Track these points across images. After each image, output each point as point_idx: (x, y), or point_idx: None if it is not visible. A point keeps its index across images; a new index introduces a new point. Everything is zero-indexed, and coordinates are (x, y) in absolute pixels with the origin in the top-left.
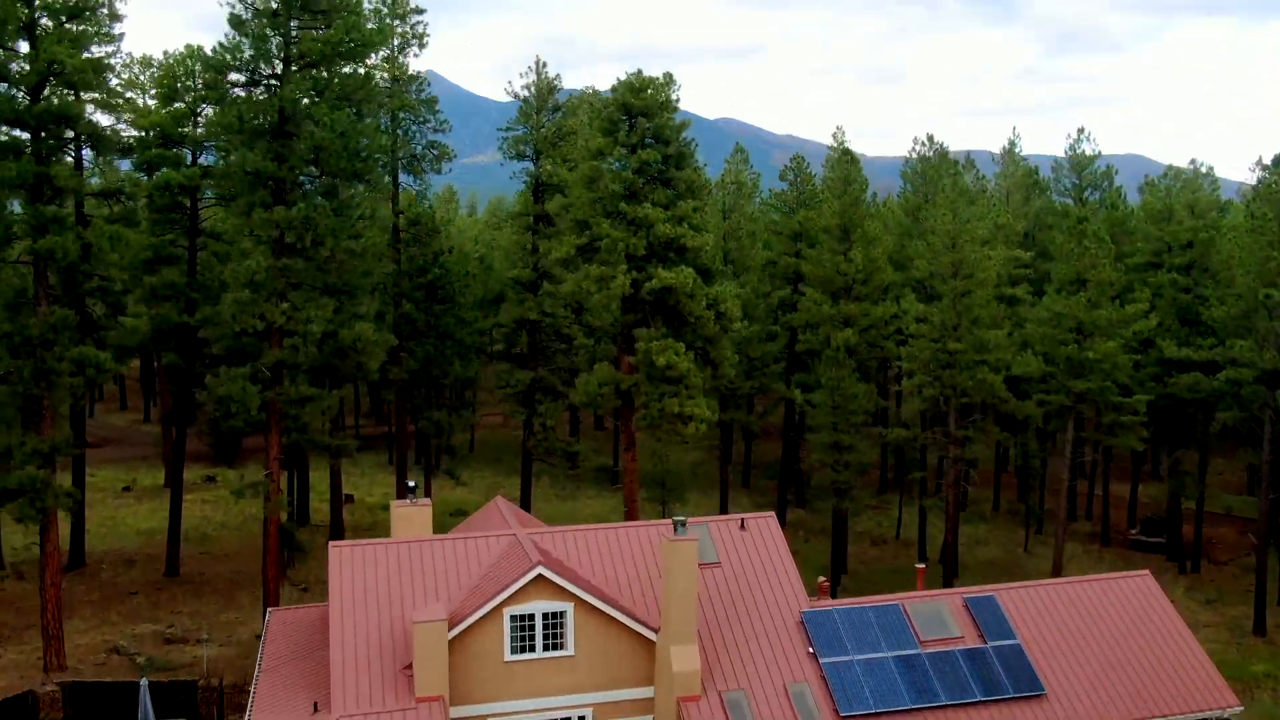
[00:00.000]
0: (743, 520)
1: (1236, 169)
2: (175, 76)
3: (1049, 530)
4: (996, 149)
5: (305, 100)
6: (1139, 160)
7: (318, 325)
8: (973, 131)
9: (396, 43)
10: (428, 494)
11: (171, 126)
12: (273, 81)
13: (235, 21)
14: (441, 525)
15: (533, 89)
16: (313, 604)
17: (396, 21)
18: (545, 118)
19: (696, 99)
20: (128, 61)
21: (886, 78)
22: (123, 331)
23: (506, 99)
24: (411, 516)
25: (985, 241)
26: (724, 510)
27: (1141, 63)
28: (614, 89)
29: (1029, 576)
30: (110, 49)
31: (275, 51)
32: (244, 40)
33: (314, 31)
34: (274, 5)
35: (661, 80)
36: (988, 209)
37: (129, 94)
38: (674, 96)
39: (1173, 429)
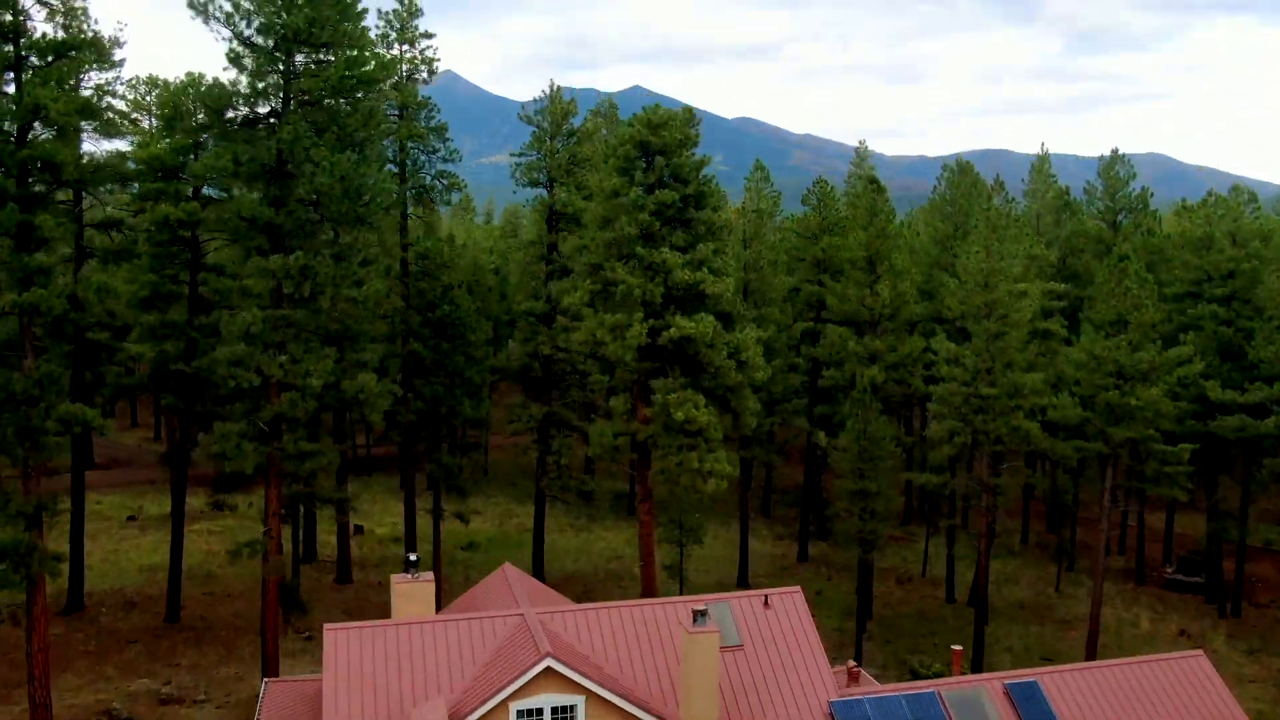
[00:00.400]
0: (766, 597)
1: (1264, 169)
2: (177, 106)
3: (1081, 566)
4: (1015, 147)
5: (305, 142)
6: (1161, 159)
7: (317, 379)
8: (992, 130)
9: (405, 69)
10: (436, 526)
11: (171, 159)
12: (272, 120)
13: (233, 58)
14: (452, 559)
15: (546, 115)
16: (311, 677)
17: (405, 46)
18: (559, 144)
19: (714, 98)
20: (133, 82)
21: (905, 76)
22: (121, 368)
23: (524, 98)
24: (412, 593)
25: (1019, 280)
26: (744, 542)
27: (1163, 61)
28: (630, 123)
29: (1063, 621)
30: (110, 75)
31: (273, 88)
32: (241, 76)
33: (314, 65)
34: (271, 41)
35: (681, 116)
36: (1020, 237)
37: (135, 115)
38: (693, 132)
39: (1213, 464)
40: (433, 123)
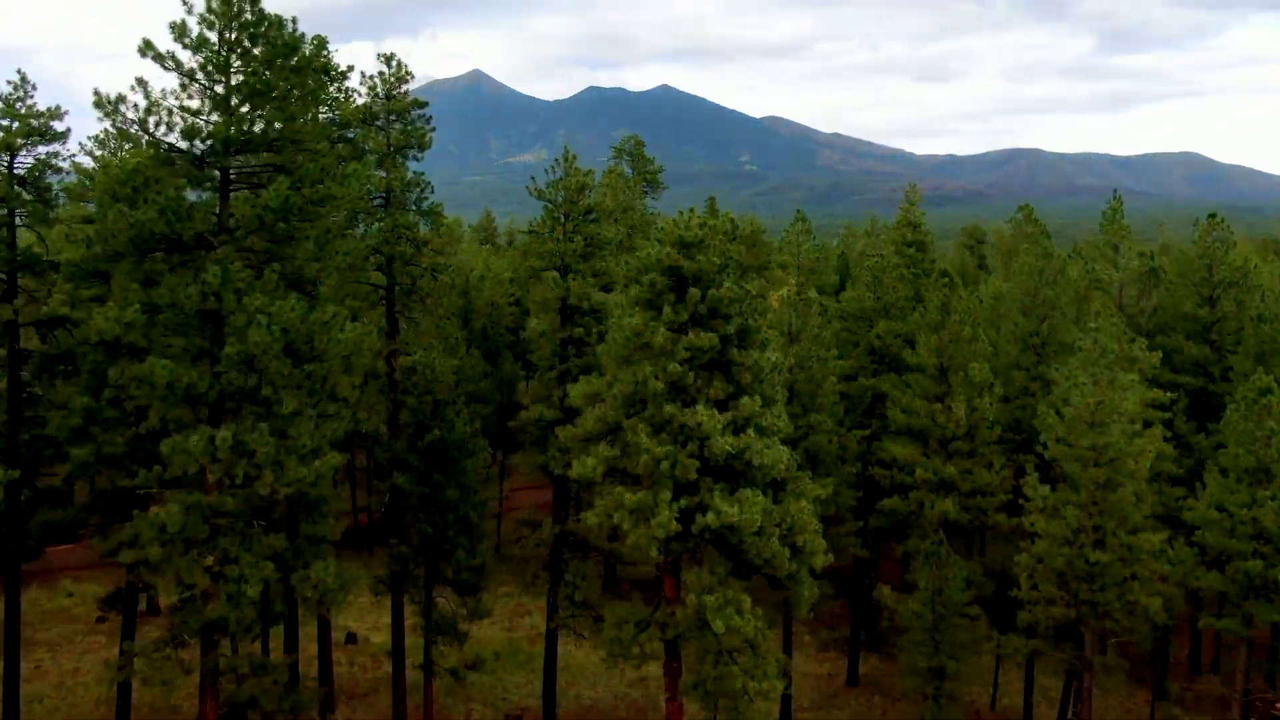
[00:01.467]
0: None
1: None
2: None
3: (1174, 690)
4: (1046, 146)
5: (237, 282)
6: (1195, 158)
7: (254, 588)
8: (1022, 128)
9: (392, 145)
10: (428, 682)
11: (97, 263)
12: (204, 243)
13: (163, 160)
14: (452, 684)
15: (559, 188)
16: None
17: (394, 116)
18: (573, 224)
19: (742, 97)
20: (103, 138)
21: (934, 75)
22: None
23: (553, 98)
24: None
25: (1136, 418)
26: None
27: (1197, 59)
28: (659, 239)
29: None
30: (50, 149)
31: (202, 209)
32: (165, 185)
33: (257, 175)
34: (198, 148)
35: (720, 228)
36: (1119, 335)
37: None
38: (734, 248)
39: None
40: (425, 205)
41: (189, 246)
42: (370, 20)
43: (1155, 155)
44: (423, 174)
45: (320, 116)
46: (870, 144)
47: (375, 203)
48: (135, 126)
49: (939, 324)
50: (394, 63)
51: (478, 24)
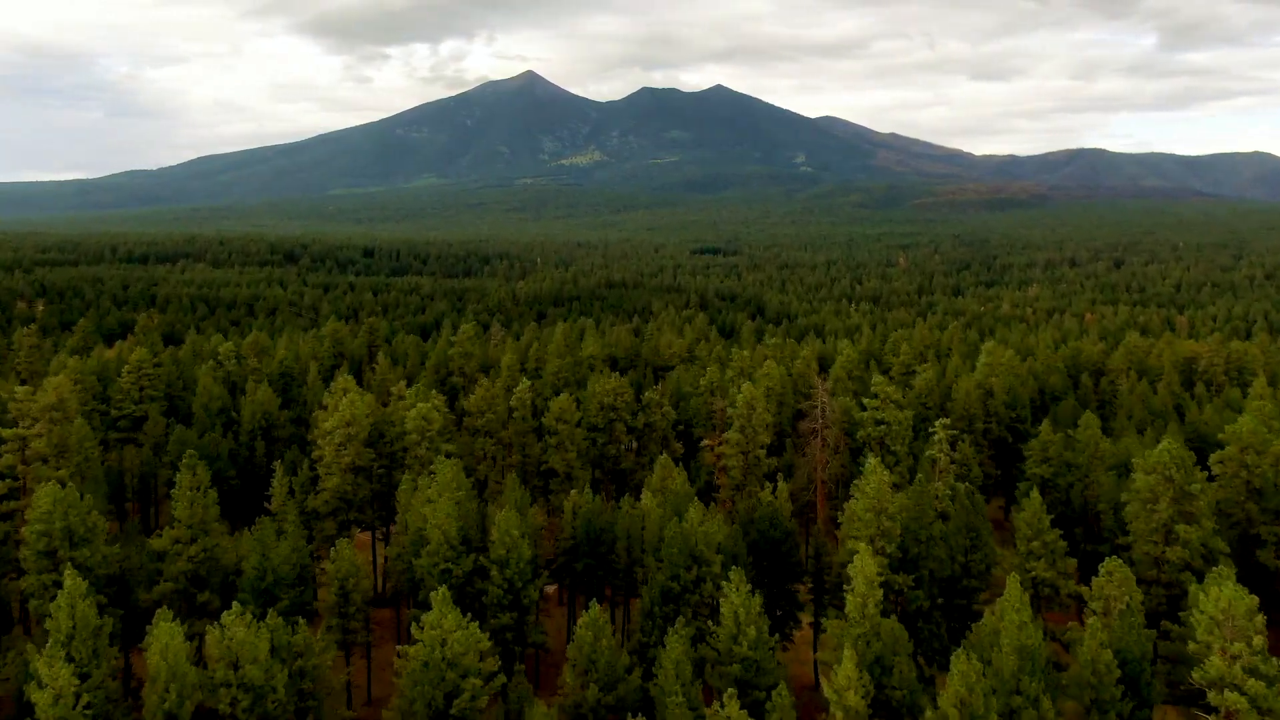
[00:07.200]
0: None
1: None
2: None
3: None
4: (1110, 145)
5: None
6: (1265, 158)
7: None
8: (1085, 127)
9: None
10: None
11: None
12: None
13: None
14: None
15: None
16: None
17: None
18: None
19: (797, 97)
20: None
21: (994, 73)
22: None
23: (606, 99)
24: None
25: None
26: None
27: (1266, 56)
28: None
29: None
30: None
31: None
32: None
33: None
34: None
35: None
36: None
37: None
38: None
39: None
40: None
41: None
42: (429, 22)
43: (1224, 155)
44: None
45: None
46: (928, 144)
47: None
48: None
49: None
50: None
51: (533, 25)
